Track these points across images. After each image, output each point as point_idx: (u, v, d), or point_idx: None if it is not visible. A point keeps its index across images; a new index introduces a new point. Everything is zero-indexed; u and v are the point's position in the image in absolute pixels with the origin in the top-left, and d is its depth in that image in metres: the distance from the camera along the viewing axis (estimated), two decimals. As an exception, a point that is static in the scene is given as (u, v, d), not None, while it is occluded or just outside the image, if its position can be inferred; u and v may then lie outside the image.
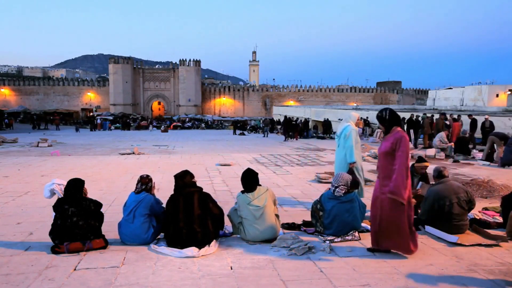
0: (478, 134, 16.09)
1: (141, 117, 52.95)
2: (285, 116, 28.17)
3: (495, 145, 11.75)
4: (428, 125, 16.58)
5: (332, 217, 4.49)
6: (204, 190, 4.41)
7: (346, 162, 6.07)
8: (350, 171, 5.91)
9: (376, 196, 3.96)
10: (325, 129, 26.63)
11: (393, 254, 4.03)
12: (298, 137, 24.79)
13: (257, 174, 4.54)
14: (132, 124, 44.43)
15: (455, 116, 17.30)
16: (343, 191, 4.52)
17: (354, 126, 6.30)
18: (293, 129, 24.60)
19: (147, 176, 4.55)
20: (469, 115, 16.89)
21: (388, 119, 3.92)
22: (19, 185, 8.08)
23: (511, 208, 4.68)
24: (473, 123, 16.35)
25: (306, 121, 29.09)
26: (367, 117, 26.02)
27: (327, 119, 28.17)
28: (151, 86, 60.81)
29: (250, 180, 4.46)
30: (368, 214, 5.44)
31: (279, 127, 34.78)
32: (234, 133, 33.34)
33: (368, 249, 4.09)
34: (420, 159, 5.88)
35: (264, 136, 28.56)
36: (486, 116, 16.04)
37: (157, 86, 60.92)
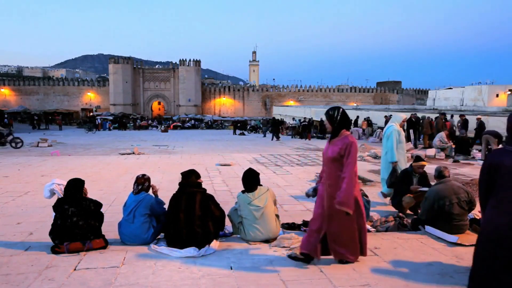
0: (471, 134, 16.12)
1: (141, 117, 52.94)
2: (273, 117, 29.54)
3: (491, 143, 11.76)
4: (427, 125, 16.59)
5: None
6: (207, 192, 4.41)
7: (387, 161, 6.48)
8: (393, 170, 6.28)
9: (322, 205, 3.63)
10: (321, 129, 26.25)
11: (394, 254, 4.03)
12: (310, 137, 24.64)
13: (258, 174, 4.54)
14: (128, 125, 44.47)
15: (447, 117, 17.56)
16: None
17: (398, 127, 6.57)
18: (307, 129, 24.85)
19: (143, 175, 4.53)
20: (461, 115, 17.03)
21: (339, 120, 3.57)
22: (19, 185, 8.09)
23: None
24: (465, 123, 16.43)
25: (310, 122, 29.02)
26: (368, 117, 25.96)
27: (306, 121, 27.58)
28: (151, 86, 60.78)
29: (251, 180, 4.46)
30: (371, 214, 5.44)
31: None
32: (234, 133, 33.37)
33: (289, 256, 3.83)
34: (417, 159, 5.87)
35: (264, 136, 28.58)
36: (478, 116, 16.08)
37: (157, 86, 60.91)
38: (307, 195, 4.04)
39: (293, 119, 35.04)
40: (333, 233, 3.59)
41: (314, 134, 27.07)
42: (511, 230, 2.34)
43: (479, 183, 2.65)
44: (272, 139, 23.83)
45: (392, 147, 6.43)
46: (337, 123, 3.57)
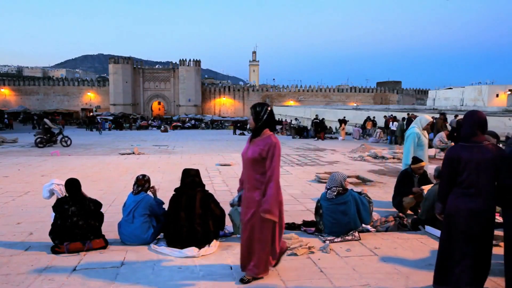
0: None
1: (140, 117, 52.94)
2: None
3: None
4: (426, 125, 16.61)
5: (328, 217, 4.50)
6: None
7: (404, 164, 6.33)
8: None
9: (244, 211, 3.33)
10: (317, 129, 24.93)
11: (394, 254, 4.03)
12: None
13: None
14: (125, 125, 44.59)
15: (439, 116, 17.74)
16: (335, 193, 4.50)
17: (419, 130, 6.35)
18: (319, 127, 23.79)
19: (143, 177, 4.52)
20: (455, 115, 17.15)
21: (265, 119, 3.24)
22: (19, 185, 8.08)
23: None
24: (459, 123, 16.51)
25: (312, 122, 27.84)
26: (374, 117, 25.44)
27: (318, 119, 26.39)
28: (151, 86, 60.79)
29: None
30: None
31: (279, 127, 34.84)
32: (234, 133, 33.40)
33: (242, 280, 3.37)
34: (416, 160, 5.86)
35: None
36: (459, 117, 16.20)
37: (157, 86, 60.91)
38: (232, 205, 3.70)
39: (296, 119, 34.80)
40: (245, 244, 3.31)
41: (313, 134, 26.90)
42: (466, 209, 2.95)
43: (441, 174, 3.19)
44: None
45: (408, 151, 6.22)
46: (262, 121, 3.24)
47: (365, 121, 25.19)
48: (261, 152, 3.16)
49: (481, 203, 2.92)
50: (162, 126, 39.39)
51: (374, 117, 25.57)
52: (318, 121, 24.79)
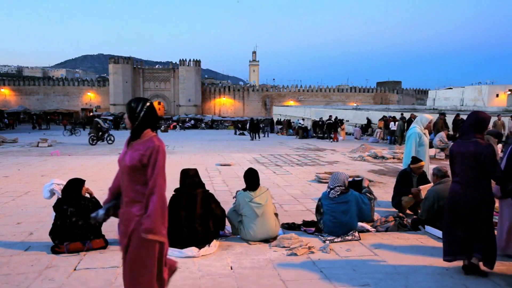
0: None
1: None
2: (252, 118, 29.82)
3: (491, 143, 11.77)
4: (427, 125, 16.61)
5: (328, 216, 4.50)
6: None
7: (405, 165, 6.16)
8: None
9: (123, 231, 2.68)
10: (330, 130, 23.50)
11: (394, 254, 4.03)
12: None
13: (258, 173, 4.60)
14: (121, 125, 44.64)
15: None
16: (338, 192, 4.51)
17: (419, 129, 6.26)
18: (332, 128, 22.48)
19: None
20: (457, 115, 17.16)
21: (143, 117, 2.61)
22: (19, 185, 8.08)
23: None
24: (457, 122, 16.54)
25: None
26: (336, 117, 24.38)
27: (331, 119, 24.49)
28: (151, 86, 60.80)
29: (253, 178, 4.51)
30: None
31: (279, 127, 34.85)
32: (235, 133, 33.74)
33: None
34: (415, 160, 5.86)
35: (264, 136, 28.58)
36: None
37: (157, 86, 60.93)
38: (95, 219, 2.85)
39: (303, 119, 34.52)
40: (127, 273, 2.58)
41: (314, 135, 26.70)
42: (460, 193, 3.49)
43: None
44: (252, 139, 24.78)
45: (409, 151, 6.15)
46: (139, 120, 2.60)
47: (380, 120, 22.87)
48: (141, 158, 2.56)
49: (462, 189, 3.48)
50: (162, 126, 39.41)
51: (392, 117, 23.23)
52: (332, 121, 23.42)
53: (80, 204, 4.12)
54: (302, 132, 26.35)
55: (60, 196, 4.44)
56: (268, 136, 28.36)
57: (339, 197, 4.48)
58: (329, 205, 4.51)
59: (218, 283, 3.35)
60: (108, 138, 20.26)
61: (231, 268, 3.66)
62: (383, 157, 12.43)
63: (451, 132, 15.84)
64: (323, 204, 4.60)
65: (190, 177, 4.29)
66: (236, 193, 4.69)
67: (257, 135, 25.62)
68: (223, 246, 4.25)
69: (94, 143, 19.35)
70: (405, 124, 17.76)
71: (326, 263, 3.79)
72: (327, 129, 23.45)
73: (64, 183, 4.37)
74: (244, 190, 4.50)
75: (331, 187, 4.56)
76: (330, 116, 24.89)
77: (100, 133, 19.78)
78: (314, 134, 26.44)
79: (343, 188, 4.52)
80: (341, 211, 4.46)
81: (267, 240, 4.37)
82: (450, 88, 46.66)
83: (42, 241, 4.32)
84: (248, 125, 28.31)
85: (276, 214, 4.59)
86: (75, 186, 4.21)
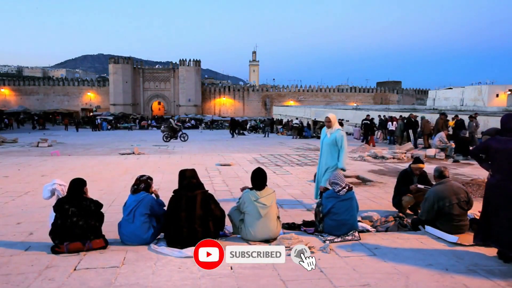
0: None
1: (141, 117, 52.95)
2: (232, 118, 33.48)
3: None
4: (425, 125, 16.67)
5: (332, 216, 4.50)
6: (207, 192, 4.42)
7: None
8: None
9: None
10: (367, 132, 19.52)
11: (394, 254, 4.03)
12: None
13: (266, 173, 4.62)
14: (119, 125, 44.74)
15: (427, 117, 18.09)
16: (345, 189, 4.55)
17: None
18: (369, 130, 18.83)
19: (141, 177, 4.54)
20: (456, 116, 17.14)
21: None
22: (19, 185, 8.08)
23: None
24: (462, 124, 16.52)
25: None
26: (373, 118, 20.81)
27: (368, 119, 20.47)
28: (151, 86, 60.81)
29: (261, 178, 4.51)
30: (366, 214, 5.44)
31: (279, 127, 34.87)
32: (232, 135, 28.10)
33: None
34: (416, 160, 5.86)
35: (264, 136, 28.59)
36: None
37: (157, 86, 60.93)
38: None
39: (297, 118, 34.39)
40: None
41: (314, 134, 26.74)
42: (496, 185, 3.83)
43: (474, 151, 4.24)
44: (232, 137, 27.07)
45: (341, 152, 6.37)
46: None
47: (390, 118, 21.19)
48: None
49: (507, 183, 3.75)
50: (162, 126, 39.42)
51: (390, 117, 22.04)
52: (368, 122, 19.24)
53: (81, 204, 4.12)
54: (297, 132, 26.29)
55: (61, 196, 4.44)
56: (268, 136, 28.36)
57: (345, 194, 4.52)
58: (335, 204, 4.52)
59: (218, 283, 3.35)
60: (181, 136, 22.14)
61: (231, 268, 3.66)
62: (383, 157, 12.44)
63: (451, 132, 15.83)
64: (327, 205, 4.57)
65: (187, 178, 4.29)
66: (243, 191, 4.69)
67: (235, 133, 28.32)
68: (223, 246, 4.24)
69: (168, 140, 21.57)
70: (405, 124, 17.78)
71: (326, 263, 3.79)
72: (364, 131, 19.47)
73: (66, 183, 4.37)
74: (251, 189, 4.51)
75: (338, 185, 4.55)
76: (368, 115, 20.81)
77: (172, 132, 21.94)
78: (314, 134, 26.47)
79: (346, 186, 4.56)
80: (345, 208, 4.48)
81: (267, 241, 4.37)
82: (450, 88, 46.69)
83: (42, 241, 4.32)
84: (229, 124, 31.93)
85: (278, 217, 4.59)
86: (77, 187, 4.22)
